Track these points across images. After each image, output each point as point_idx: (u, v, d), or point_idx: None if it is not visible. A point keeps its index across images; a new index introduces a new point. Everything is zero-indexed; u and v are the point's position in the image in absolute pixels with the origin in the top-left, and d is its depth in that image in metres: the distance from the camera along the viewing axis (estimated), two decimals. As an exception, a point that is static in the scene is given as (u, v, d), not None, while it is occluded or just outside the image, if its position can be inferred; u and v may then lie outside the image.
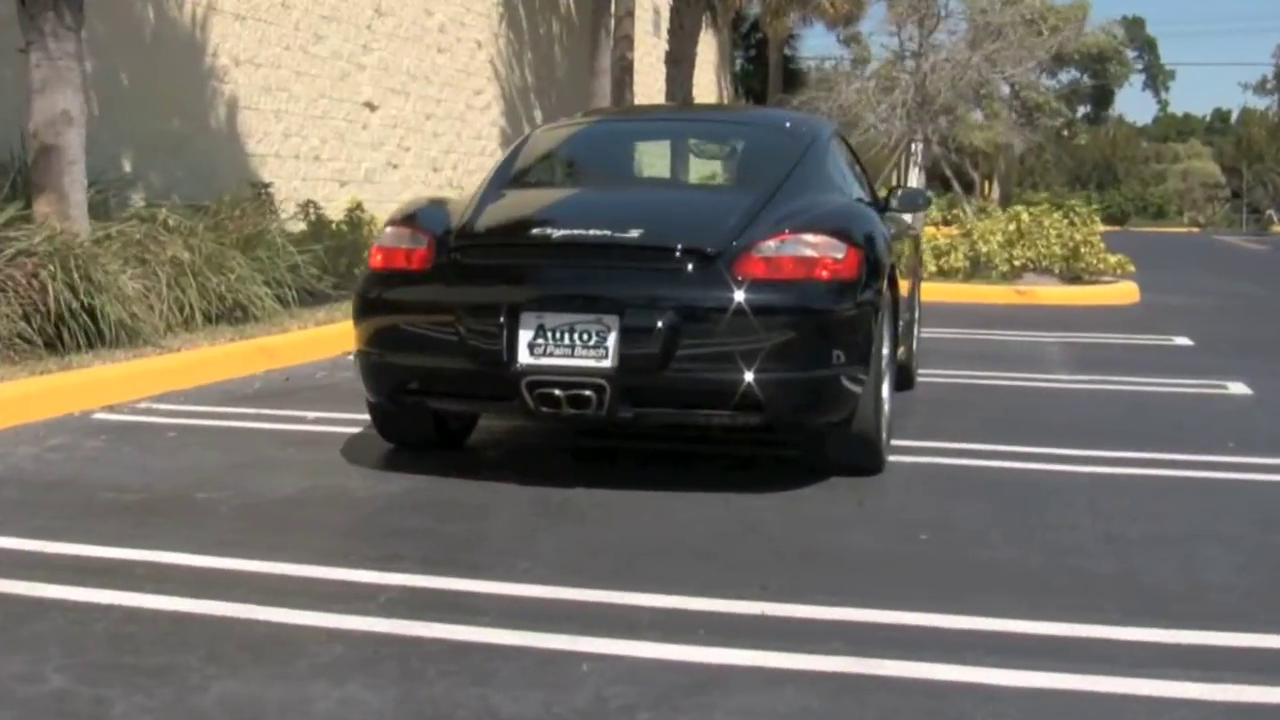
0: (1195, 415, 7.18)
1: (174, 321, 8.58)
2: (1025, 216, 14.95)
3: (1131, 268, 15.49)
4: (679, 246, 5.01)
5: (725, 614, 3.65)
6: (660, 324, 4.80)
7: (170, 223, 9.19)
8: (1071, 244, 14.55)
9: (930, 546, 4.41)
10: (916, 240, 7.79)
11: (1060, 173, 52.15)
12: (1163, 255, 28.04)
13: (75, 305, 7.46)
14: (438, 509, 4.82)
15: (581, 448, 6.05)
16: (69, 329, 7.47)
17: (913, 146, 15.83)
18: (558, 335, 4.91)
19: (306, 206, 12.59)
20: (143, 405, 6.83)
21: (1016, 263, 14.73)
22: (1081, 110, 57.25)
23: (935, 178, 23.33)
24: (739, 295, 4.88)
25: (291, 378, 7.94)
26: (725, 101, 30.48)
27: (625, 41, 19.63)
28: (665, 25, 21.54)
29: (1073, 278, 14.86)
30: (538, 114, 20.45)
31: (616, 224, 5.19)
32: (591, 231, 5.16)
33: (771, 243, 5.03)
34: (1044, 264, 14.75)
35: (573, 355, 4.90)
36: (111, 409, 6.67)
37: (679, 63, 20.57)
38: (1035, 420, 6.93)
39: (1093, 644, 3.46)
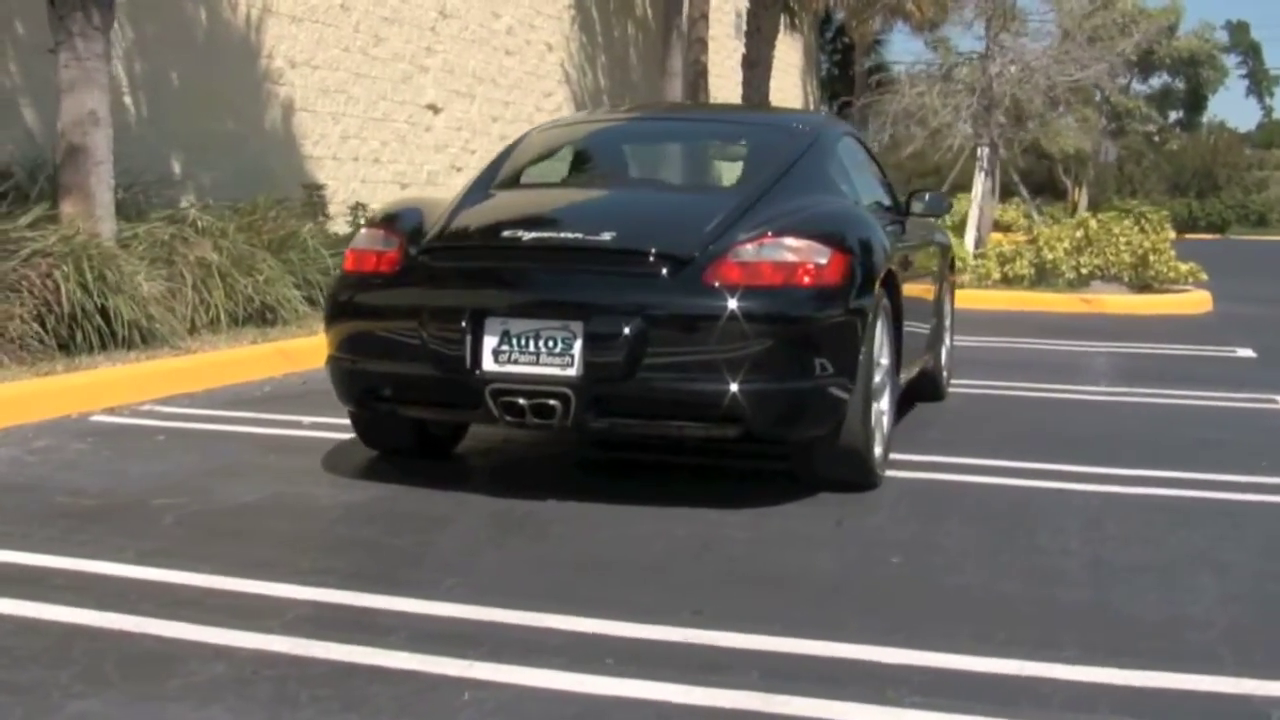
0: (1236, 431, 6.80)
1: (199, 323, 8.53)
2: (1093, 223, 14.47)
3: (1204, 276, 14.92)
4: (651, 250, 4.79)
5: (644, 640, 3.43)
6: (626, 331, 4.58)
7: (201, 224, 9.14)
8: (1141, 251, 14.05)
9: (898, 571, 4.14)
10: (943, 246, 7.48)
11: (1160, 180, 50.84)
12: (1253, 263, 27.19)
13: (89, 306, 7.41)
14: (392, 521, 4.65)
15: (577, 458, 5.85)
16: (83, 330, 7.42)
17: (979, 151, 15.38)
18: (523, 342, 4.72)
19: (355, 209, 12.54)
20: (145, 408, 6.74)
21: (1083, 270, 14.26)
22: (1173, 116, 55.81)
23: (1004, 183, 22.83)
24: (711, 301, 4.65)
25: (308, 381, 7.82)
26: (809, 106, 30.14)
27: (699, 44, 19.50)
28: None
29: (1142, 286, 14.35)
30: (611, 118, 20.32)
31: (591, 227, 4.98)
32: (563, 234, 4.97)
33: (750, 246, 4.79)
34: (1112, 272, 14.27)
35: (538, 363, 4.70)
36: (112, 411, 6.59)
37: (755, 66, 20.35)
38: (1061, 435, 6.59)
39: (1032, 684, 3.17)
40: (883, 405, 5.44)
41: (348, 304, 5.09)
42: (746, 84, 20.37)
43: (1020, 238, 16.08)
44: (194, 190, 11.58)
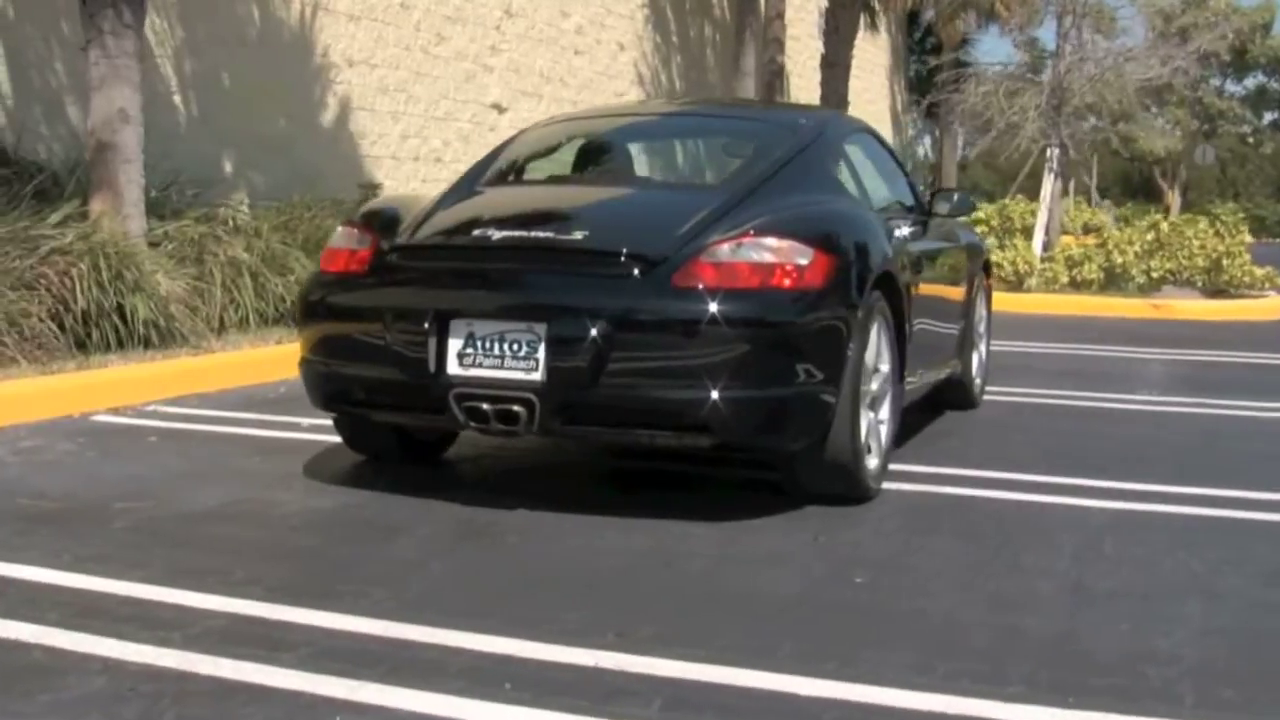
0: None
1: (229, 322, 8.49)
2: (1164, 226, 13.97)
3: (1282, 280, 14.38)
4: (621, 250, 4.58)
5: (553, 664, 3.23)
6: (590, 334, 4.38)
7: (236, 222, 9.10)
8: (1214, 255, 13.52)
9: (859, 592, 3.89)
10: (973, 248, 7.17)
11: (1264, 183, 49.37)
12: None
13: (106, 304, 7.37)
14: (348, 529, 4.49)
15: (581, 466, 5.66)
16: (100, 328, 7.39)
17: (1049, 152, 14.93)
18: (487, 345, 4.54)
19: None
20: (151, 408, 6.68)
21: (1154, 274, 13.76)
22: (1269, 117, 54.00)
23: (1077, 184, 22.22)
24: (681, 304, 4.44)
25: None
26: (896, 107, 29.69)
27: (775, 44, 19.25)
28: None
29: (1216, 291, 13.81)
30: (686, 118, 20.08)
31: (564, 226, 4.80)
32: (533, 233, 4.78)
33: (726, 246, 4.56)
34: (1185, 276, 13.75)
35: (502, 367, 4.52)
36: (116, 411, 6.53)
37: (834, 66, 20.05)
38: (1093, 447, 6.27)
39: (956, 722, 2.94)
40: (881, 414, 5.18)
41: (318, 304, 4.95)
42: (824, 84, 20.06)
43: (1090, 240, 15.57)
44: (246, 189, 11.60)
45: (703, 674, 3.17)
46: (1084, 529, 4.67)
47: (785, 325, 4.52)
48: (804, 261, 4.58)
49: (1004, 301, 13.83)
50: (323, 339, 4.92)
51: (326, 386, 4.93)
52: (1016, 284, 14.22)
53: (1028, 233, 14.61)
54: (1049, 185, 14.73)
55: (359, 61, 13.26)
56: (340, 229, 5.15)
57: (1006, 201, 15.54)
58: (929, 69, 23.67)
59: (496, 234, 4.76)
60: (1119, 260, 13.81)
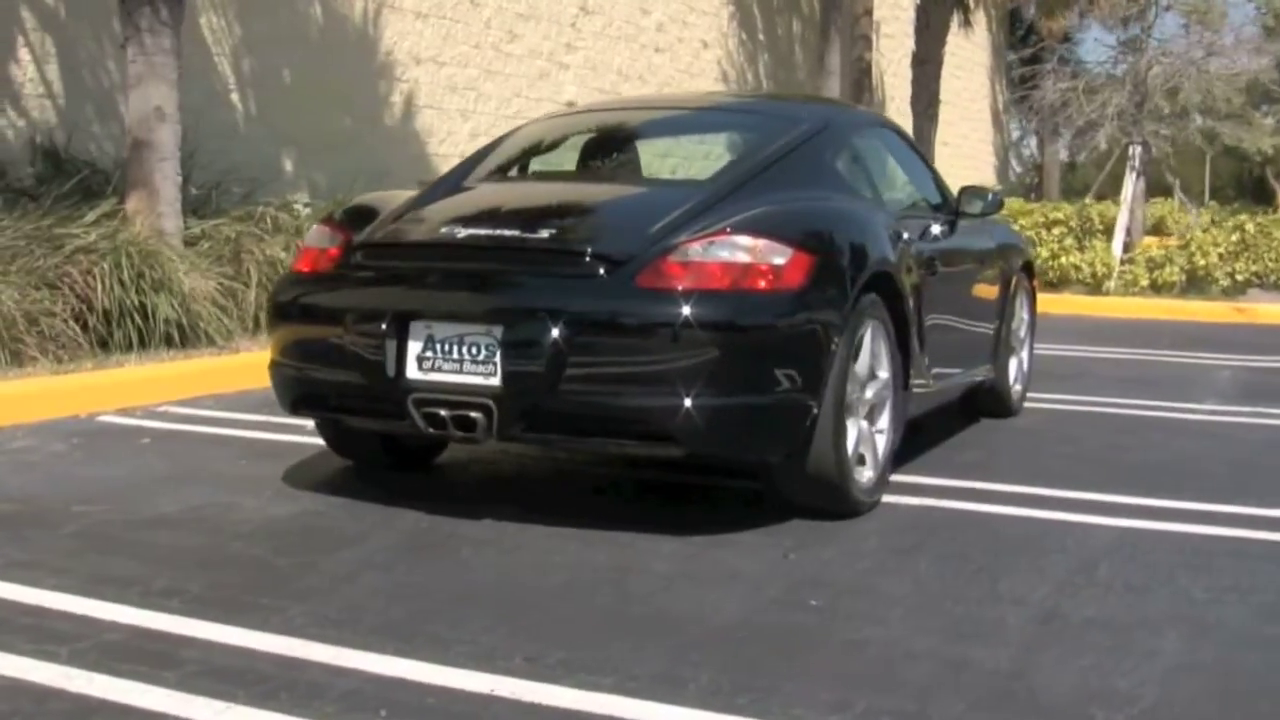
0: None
1: (264, 322, 8.40)
2: (1250, 226, 13.36)
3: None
4: (586, 249, 4.36)
5: (444, 689, 3.02)
6: (547, 338, 4.16)
7: (277, 221, 9.03)
8: (1302, 257, 12.92)
9: (806, 617, 3.62)
10: (1009, 248, 6.79)
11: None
12: None
13: (128, 303, 7.32)
14: (298, 538, 4.32)
15: (578, 474, 5.45)
16: (122, 328, 7.34)
17: (1130, 150, 14.36)
18: (446, 348, 4.34)
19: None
20: (162, 408, 6.59)
21: (1239, 277, 13.17)
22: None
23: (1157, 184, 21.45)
24: (643, 306, 4.20)
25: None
26: (997, 105, 29.02)
27: (863, 41, 18.87)
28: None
29: (1309, 294, 13.22)
30: (773, 116, 19.73)
31: (532, 224, 4.58)
32: (499, 232, 4.57)
33: (697, 245, 4.32)
34: (1272, 279, 13.14)
35: (461, 371, 4.33)
36: (125, 411, 6.45)
37: (925, 64, 19.59)
38: (1127, 460, 5.90)
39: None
40: (880, 424, 4.90)
41: (285, 305, 4.79)
42: (915, 82, 19.61)
43: (1172, 242, 14.99)
44: (307, 188, 11.56)
45: (599, 705, 2.94)
46: (1084, 550, 4.35)
47: (758, 329, 4.26)
48: (780, 261, 4.32)
49: (1080, 305, 13.38)
50: (288, 341, 4.76)
51: (293, 390, 4.77)
52: (1095, 287, 13.72)
53: (1110, 234, 14.09)
54: (1130, 184, 14.19)
55: (426, 59, 13.18)
56: (315, 227, 5.00)
57: (1087, 201, 15.03)
58: (1022, 62, 23.04)
59: (462, 232, 4.57)
60: (1201, 262, 13.24)
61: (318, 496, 4.86)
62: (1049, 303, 13.51)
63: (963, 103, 25.90)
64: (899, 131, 6.26)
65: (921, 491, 5.13)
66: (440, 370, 4.35)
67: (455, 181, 5.28)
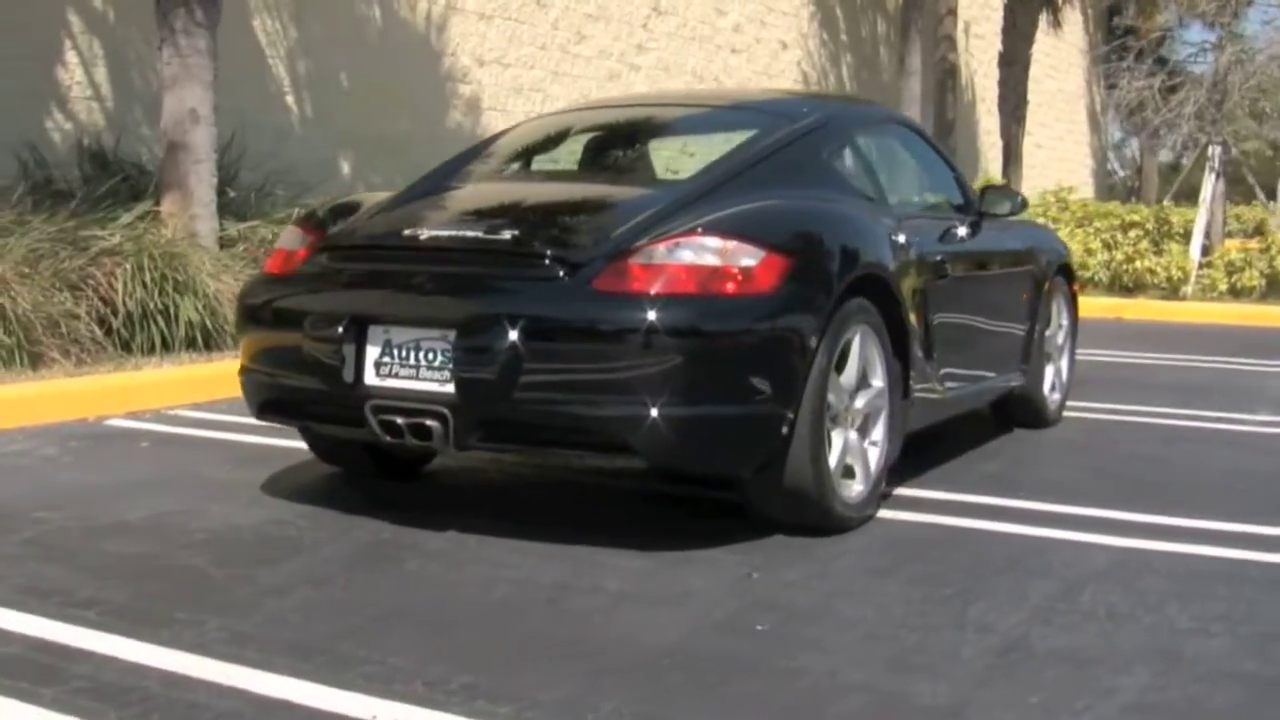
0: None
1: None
2: (1336, 228, 12.80)
3: None
4: (546, 251, 4.17)
5: (324, 713, 2.85)
6: (500, 343, 3.98)
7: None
8: (1393, 260, 12.30)
9: (746, 643, 3.38)
10: (1042, 250, 6.46)
11: None
12: None
13: (150, 306, 7.28)
14: (248, 548, 4.18)
15: (577, 484, 5.27)
16: (145, 330, 7.30)
17: (1210, 150, 13.80)
18: (403, 353, 4.18)
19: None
20: (173, 412, 6.53)
21: (1323, 281, 12.62)
22: None
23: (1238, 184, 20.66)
24: (601, 311, 4.00)
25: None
26: (1094, 106, 28.28)
27: (947, 41, 18.54)
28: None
29: (1400, 298, 12.59)
30: (857, 118, 19.36)
31: (497, 224, 4.41)
32: (462, 233, 4.39)
33: (662, 247, 4.10)
34: (1361, 283, 12.56)
35: (417, 377, 4.16)
36: (133, 415, 6.40)
37: (1012, 64, 19.21)
38: (1162, 474, 5.57)
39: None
40: (874, 435, 4.65)
41: (250, 308, 4.65)
42: (1002, 84, 19.21)
43: (1253, 245, 14.38)
44: (364, 190, 11.50)
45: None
46: (1074, 572, 4.07)
47: (725, 335, 4.04)
48: (750, 263, 4.09)
49: (1154, 311, 12.91)
50: (254, 344, 4.63)
51: (259, 395, 4.64)
52: (1171, 292, 13.23)
53: (1188, 237, 13.57)
54: (1209, 185, 13.65)
55: (490, 61, 13.09)
56: (289, 227, 4.87)
57: (1166, 204, 14.51)
58: (1105, 61, 22.40)
59: (425, 233, 4.40)
60: (1282, 265, 12.72)
61: (289, 504, 4.73)
62: (1122, 308, 13.09)
63: (1058, 104, 25.30)
64: (917, 130, 5.98)
65: (924, 506, 4.87)
66: (397, 376, 4.19)
67: (436, 181, 5.12)
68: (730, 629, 3.49)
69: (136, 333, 7.28)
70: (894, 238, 4.82)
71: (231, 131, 9.30)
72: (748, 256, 4.10)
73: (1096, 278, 13.67)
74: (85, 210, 7.99)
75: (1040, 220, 13.96)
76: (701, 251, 4.09)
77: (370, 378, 4.23)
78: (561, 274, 4.09)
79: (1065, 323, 6.77)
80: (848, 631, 3.49)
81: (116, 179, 8.55)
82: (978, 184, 15.42)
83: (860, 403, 4.56)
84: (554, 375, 3.99)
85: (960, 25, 21.01)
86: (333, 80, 11.39)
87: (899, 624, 3.56)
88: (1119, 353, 9.75)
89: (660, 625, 3.51)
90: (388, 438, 4.25)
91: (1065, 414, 6.86)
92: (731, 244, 4.11)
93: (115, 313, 7.25)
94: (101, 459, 5.44)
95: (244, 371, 4.70)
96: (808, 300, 4.21)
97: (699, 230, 4.16)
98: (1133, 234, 13.72)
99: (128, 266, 7.24)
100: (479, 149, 5.44)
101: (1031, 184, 17.46)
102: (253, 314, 4.62)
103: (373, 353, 4.23)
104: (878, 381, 4.64)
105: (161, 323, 7.30)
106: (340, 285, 4.43)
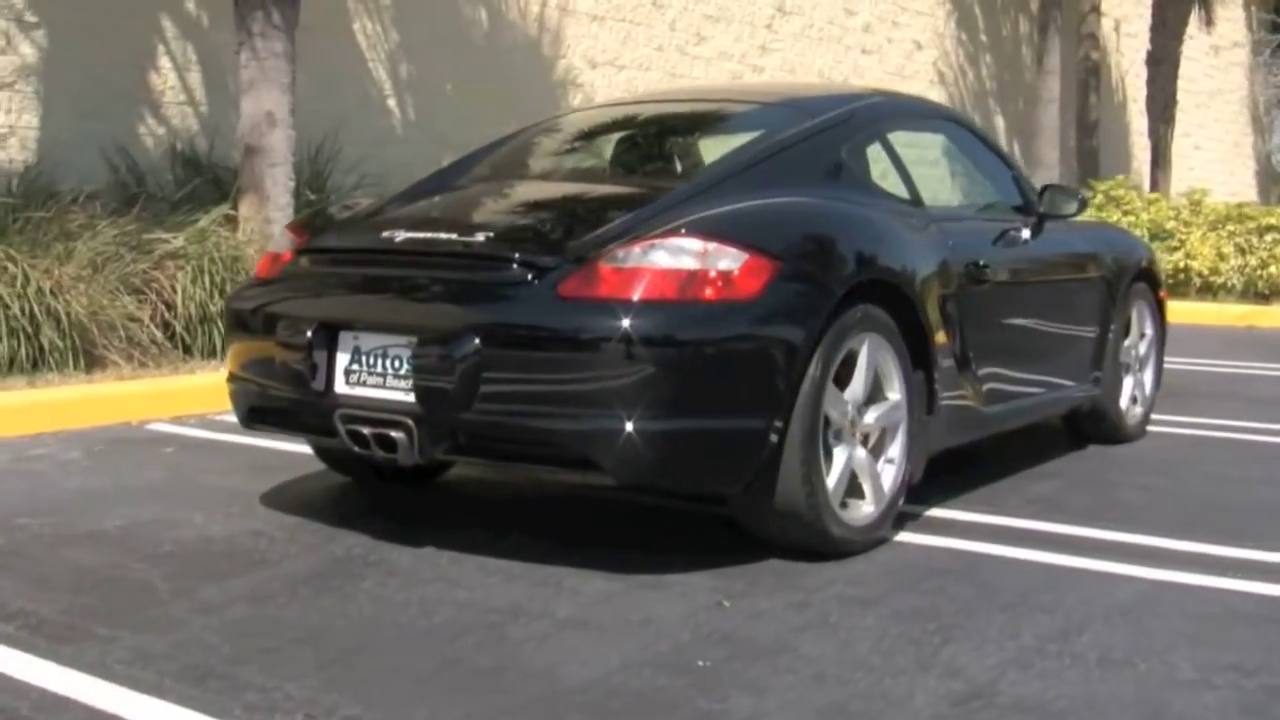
0: None
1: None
2: None
3: None
4: (515, 254, 3.93)
5: (179, 750, 2.67)
6: (460, 351, 3.75)
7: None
8: None
9: (674, 681, 3.08)
10: (1119, 254, 5.98)
11: None
12: None
13: (211, 309, 7.25)
14: (207, 560, 4.03)
15: (588, 499, 5.03)
16: (205, 334, 7.28)
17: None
18: (371, 361, 4.00)
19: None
20: (216, 417, 6.44)
21: None
22: None
23: None
24: (565, 317, 3.75)
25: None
26: (1258, 108, 26.96)
27: (1089, 40, 17.88)
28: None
29: None
30: (999, 121, 18.77)
31: (473, 227, 4.20)
32: (438, 236, 4.17)
33: (636, 249, 3.83)
34: None
35: (384, 386, 3.97)
36: (178, 419, 6.34)
37: (1160, 63, 18.42)
38: (1224, 498, 5.08)
39: None
40: (891, 453, 4.32)
41: (237, 313, 4.50)
42: (1150, 83, 18.43)
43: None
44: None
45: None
46: (1084, 609, 3.68)
47: (701, 344, 3.75)
48: (731, 267, 3.80)
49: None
50: (238, 350, 4.49)
51: (244, 402, 4.49)
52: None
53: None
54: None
55: (603, 63, 12.91)
56: (282, 230, 4.72)
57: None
58: (1276, 52, 21.37)
59: (401, 237, 4.19)
60: None
61: (278, 515, 4.58)
62: (1255, 315, 12.36)
63: (1217, 105, 24.19)
64: (971, 127, 5.60)
65: (950, 529, 4.51)
66: (365, 384, 4.00)
67: (435, 182, 4.93)
68: (666, 664, 3.21)
69: (197, 336, 7.24)
70: (917, 240, 4.48)
71: (323, 134, 9.27)
72: (728, 259, 3.81)
73: (1229, 284, 12.97)
74: (167, 213, 8.01)
75: (1170, 224, 13.29)
76: (678, 254, 3.81)
77: (340, 385, 4.05)
78: (529, 278, 3.86)
79: (1149, 331, 6.29)
80: (796, 671, 3.18)
81: (197, 181, 8.55)
82: (1110, 187, 14.74)
83: (871, 418, 4.22)
84: (516, 386, 3.76)
85: (1110, 24, 20.23)
86: (436, 83, 11.32)
87: (857, 664, 3.23)
88: (1239, 363, 9.15)
89: (591, 658, 3.24)
90: (356, 448, 4.06)
91: (1152, 429, 6.39)
92: (712, 246, 3.83)
93: (176, 316, 7.23)
94: (116, 464, 5.37)
95: (228, 377, 4.56)
96: (798, 306, 3.90)
97: (681, 231, 3.89)
98: (1269, 238, 12.94)
99: (189, 269, 7.21)
100: (488, 149, 5.22)
101: (1187, 186, 16.64)
102: (237, 319, 4.48)
103: (343, 360, 4.05)
104: (894, 395, 4.30)
105: (220, 326, 7.24)
106: (314, 290, 4.27)
